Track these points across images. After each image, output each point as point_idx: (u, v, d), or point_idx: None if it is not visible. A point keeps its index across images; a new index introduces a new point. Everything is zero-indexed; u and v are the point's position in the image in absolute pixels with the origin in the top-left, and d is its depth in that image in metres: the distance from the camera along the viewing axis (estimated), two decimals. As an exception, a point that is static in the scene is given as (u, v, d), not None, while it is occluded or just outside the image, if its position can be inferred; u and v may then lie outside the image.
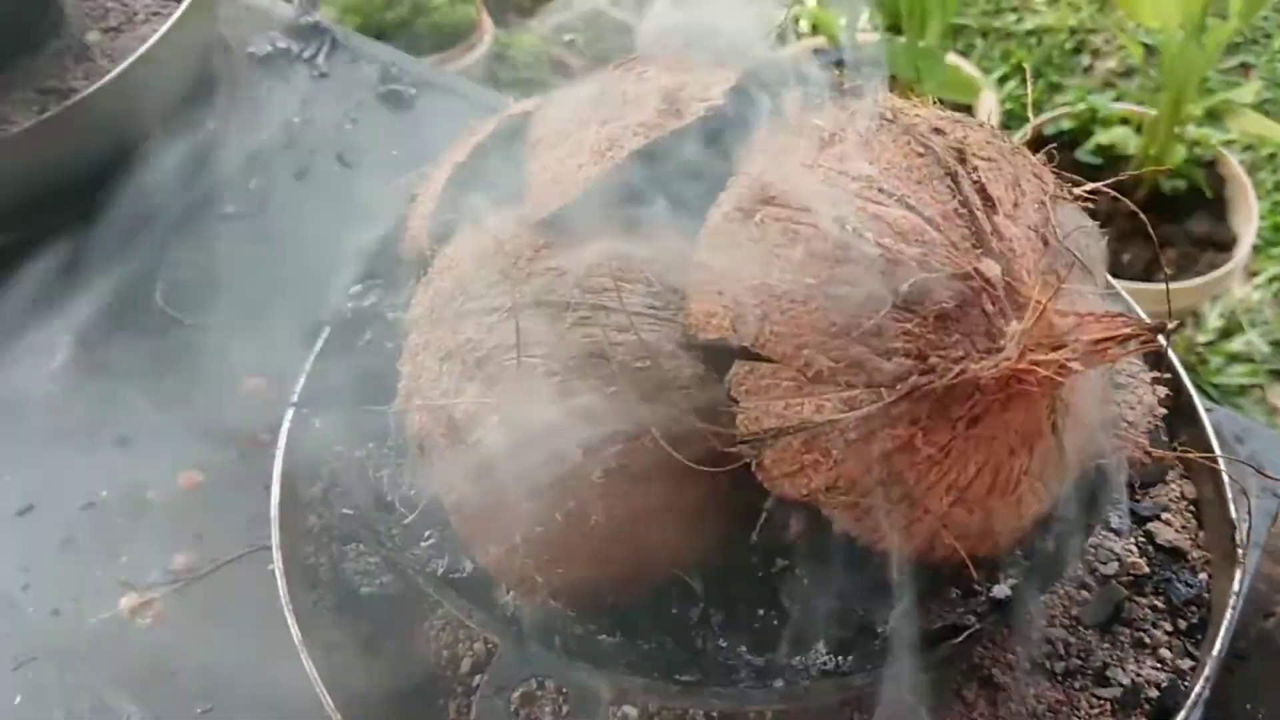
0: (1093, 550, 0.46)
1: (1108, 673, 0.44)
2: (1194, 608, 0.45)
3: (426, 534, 0.38)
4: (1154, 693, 0.43)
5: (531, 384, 0.35)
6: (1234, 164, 1.37)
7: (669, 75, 0.40)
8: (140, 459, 0.62)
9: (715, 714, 0.43)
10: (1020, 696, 0.43)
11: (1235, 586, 0.43)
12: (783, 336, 0.34)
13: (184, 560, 0.59)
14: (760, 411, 0.34)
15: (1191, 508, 0.49)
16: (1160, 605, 0.46)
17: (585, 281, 0.36)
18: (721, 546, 0.37)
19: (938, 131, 0.36)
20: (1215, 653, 0.42)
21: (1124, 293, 0.50)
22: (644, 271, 0.37)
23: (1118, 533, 0.47)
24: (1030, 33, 1.96)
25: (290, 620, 0.44)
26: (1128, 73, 1.90)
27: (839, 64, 0.48)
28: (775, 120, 0.38)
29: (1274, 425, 1.24)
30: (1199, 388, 0.56)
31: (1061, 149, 1.44)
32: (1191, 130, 1.42)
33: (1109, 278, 0.44)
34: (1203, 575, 0.46)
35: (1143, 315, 0.51)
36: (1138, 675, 0.43)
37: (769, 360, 0.34)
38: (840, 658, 0.36)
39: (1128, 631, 0.45)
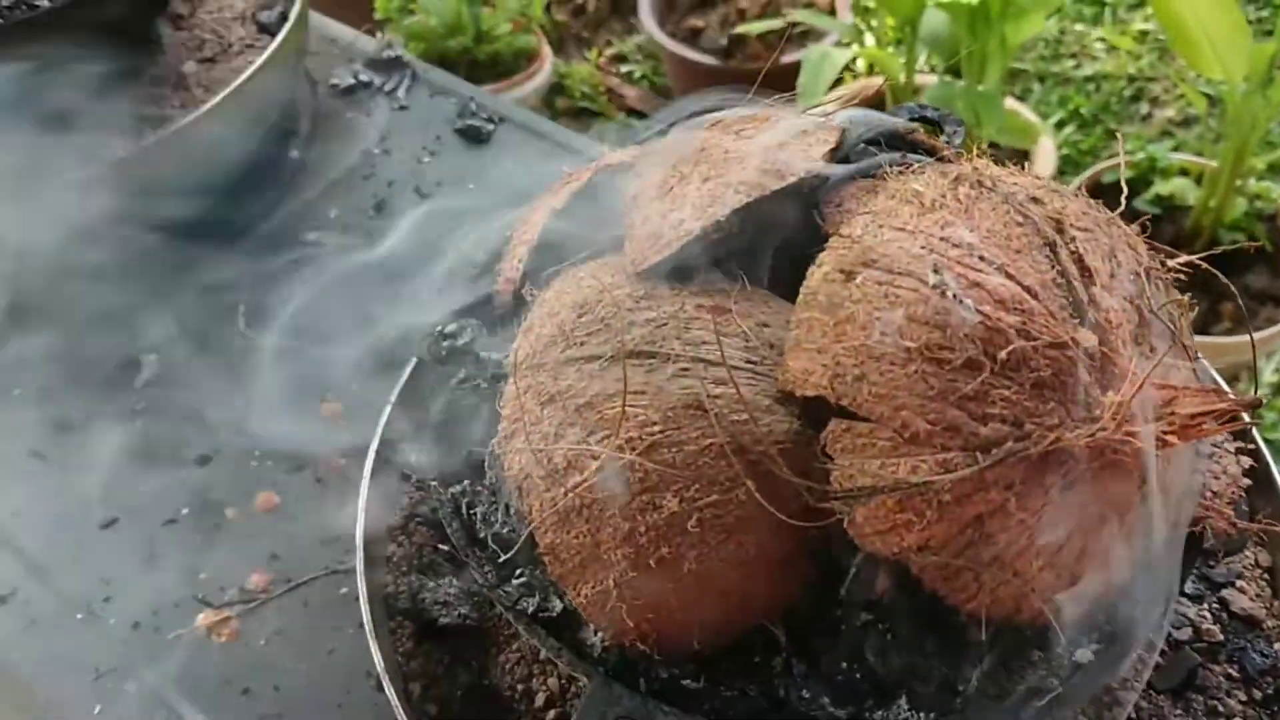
0: (1167, 614, 0.47)
1: (1181, 739, 0.44)
2: (1269, 678, 0.45)
3: (518, 572, 0.39)
4: (1228, 762, 0.43)
5: (632, 432, 0.36)
6: (1296, 219, 1.36)
7: (769, 133, 0.41)
8: (220, 478, 0.64)
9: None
10: (1093, 759, 0.43)
11: (1313, 659, 0.43)
12: (880, 397, 0.34)
13: (259, 579, 0.60)
14: (855, 469, 0.35)
15: (1266, 575, 0.49)
16: (1234, 674, 0.46)
17: (684, 334, 0.37)
18: (809, 598, 0.38)
19: (1036, 201, 0.37)
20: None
21: (1205, 363, 0.51)
22: (741, 326, 0.38)
23: (1192, 598, 0.47)
24: (1089, 79, 1.96)
25: (374, 649, 0.45)
26: (1186, 122, 1.90)
27: (925, 120, 0.50)
28: (876, 182, 0.39)
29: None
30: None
31: (1120, 198, 1.43)
32: (1253, 184, 1.41)
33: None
34: (1278, 645, 0.46)
35: (1219, 379, 0.51)
36: (1211, 743, 0.43)
37: (865, 420, 0.35)
38: (922, 714, 0.37)
39: (1201, 699, 0.45)
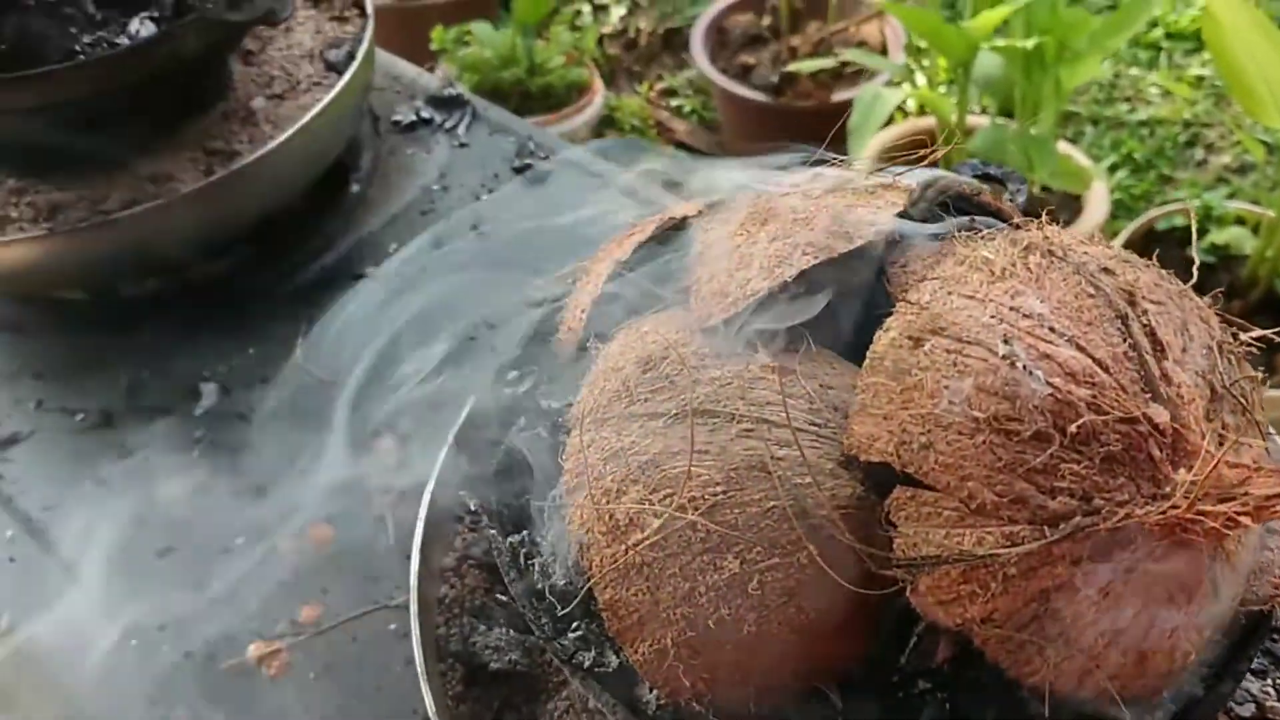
0: (1229, 689, 0.46)
1: (1243, 819, 0.43)
2: (1335, 758, 0.44)
3: (575, 625, 0.39)
4: (1292, 846, 0.42)
5: (695, 492, 0.36)
6: (1357, 272, 1.34)
7: (838, 195, 0.41)
8: (275, 509, 0.65)
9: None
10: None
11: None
12: (947, 466, 0.34)
13: (310, 613, 0.61)
14: (919, 538, 0.35)
15: (1332, 652, 0.48)
16: (1299, 752, 0.44)
17: (749, 393, 0.37)
18: (867, 664, 0.37)
19: (1107, 271, 0.37)
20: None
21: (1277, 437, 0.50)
22: (806, 387, 0.38)
23: (1256, 673, 0.46)
24: (1142, 123, 1.94)
25: (425, 691, 0.46)
26: (1242, 169, 1.87)
27: (989, 177, 0.49)
28: (944, 246, 0.39)
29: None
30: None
31: (1173, 245, 1.43)
32: (1313, 235, 1.39)
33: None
34: (1344, 725, 0.45)
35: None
36: (1275, 825, 0.42)
37: (931, 488, 0.35)
38: (980, 787, 0.36)
39: (1264, 777, 0.44)
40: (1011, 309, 0.35)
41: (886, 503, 0.35)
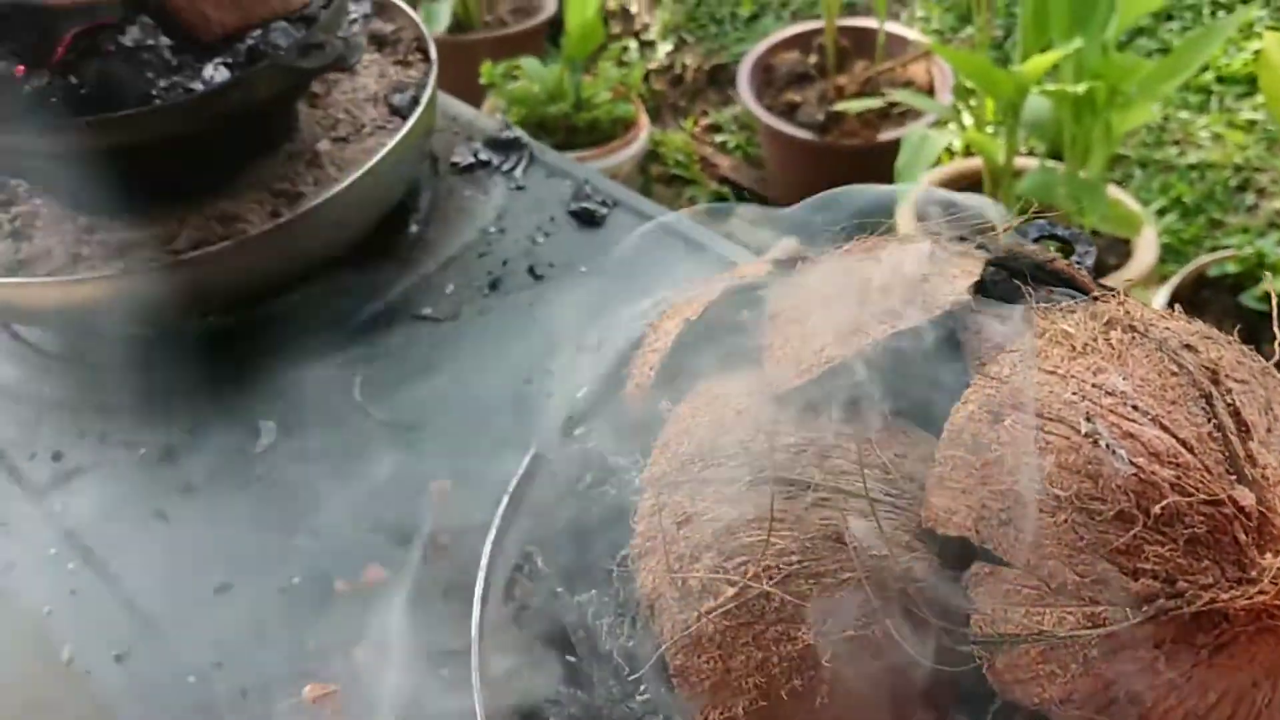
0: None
1: None
2: None
3: (643, 689, 0.39)
4: None
5: (770, 561, 0.36)
6: None
7: (913, 263, 0.41)
8: (330, 549, 0.66)
9: None
10: None
11: None
12: (1027, 544, 0.34)
13: (365, 654, 0.61)
14: (998, 615, 0.34)
15: None
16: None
17: (824, 462, 0.37)
18: (939, 740, 0.37)
19: (1189, 348, 0.37)
20: None
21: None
22: (881, 457, 0.38)
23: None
24: (1192, 167, 1.92)
25: (485, 743, 0.46)
26: (1295, 215, 1.85)
27: (1055, 238, 0.49)
28: (1023, 319, 0.39)
29: None
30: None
31: (1225, 293, 1.41)
32: (1370, 286, 1.37)
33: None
34: None
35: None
36: None
37: (1010, 565, 0.34)
38: None
39: None
40: (1094, 386, 0.35)
41: (964, 578, 0.35)
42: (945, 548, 0.36)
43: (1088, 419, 0.34)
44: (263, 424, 0.72)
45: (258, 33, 0.69)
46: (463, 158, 0.88)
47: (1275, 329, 0.40)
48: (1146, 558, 0.33)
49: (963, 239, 0.44)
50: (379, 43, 0.86)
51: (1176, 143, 1.98)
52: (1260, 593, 0.32)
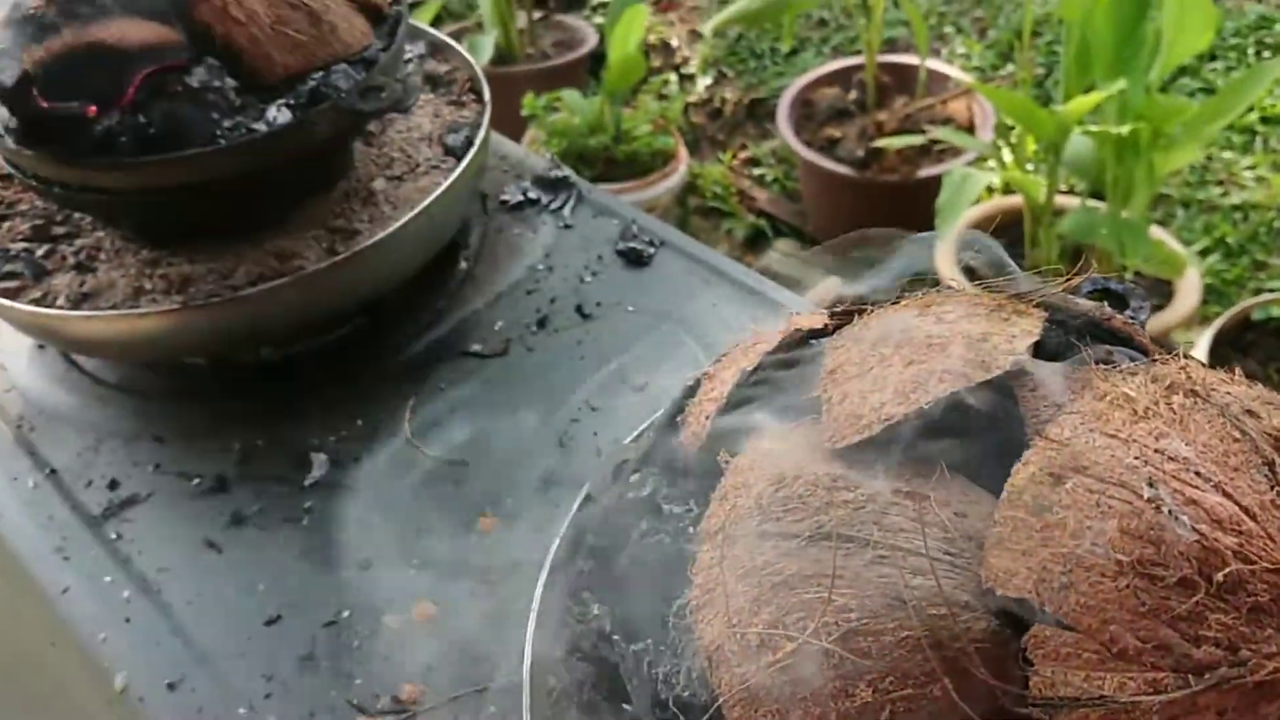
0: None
1: None
2: None
3: (699, 739, 0.40)
4: None
5: (829, 618, 0.36)
6: None
7: (971, 320, 0.42)
8: (380, 584, 0.66)
9: None
10: None
11: None
12: (1089, 608, 0.34)
13: (411, 690, 0.62)
14: (1058, 678, 0.35)
15: None
16: None
17: (883, 519, 0.38)
18: (996, 800, 0.37)
19: (1251, 414, 0.37)
20: None
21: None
22: (940, 515, 0.38)
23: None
24: (1236, 208, 1.91)
25: (534, 785, 0.46)
26: (1341, 257, 1.83)
27: (1109, 292, 0.50)
28: (1081, 377, 0.39)
29: None
30: None
31: (1269, 336, 1.39)
32: None
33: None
34: None
35: None
36: None
37: (1070, 629, 0.35)
38: None
39: None
40: (1156, 451, 0.35)
41: (1024, 640, 0.35)
42: (1005, 608, 0.36)
43: (1150, 484, 0.34)
44: (314, 456, 0.73)
45: (319, 75, 0.71)
46: (512, 195, 0.90)
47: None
48: (1209, 625, 0.33)
49: (1020, 296, 0.44)
50: (433, 83, 0.88)
51: (1220, 183, 1.97)
52: (1325, 664, 0.32)
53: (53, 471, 0.74)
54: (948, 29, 2.41)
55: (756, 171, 2.27)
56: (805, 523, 0.38)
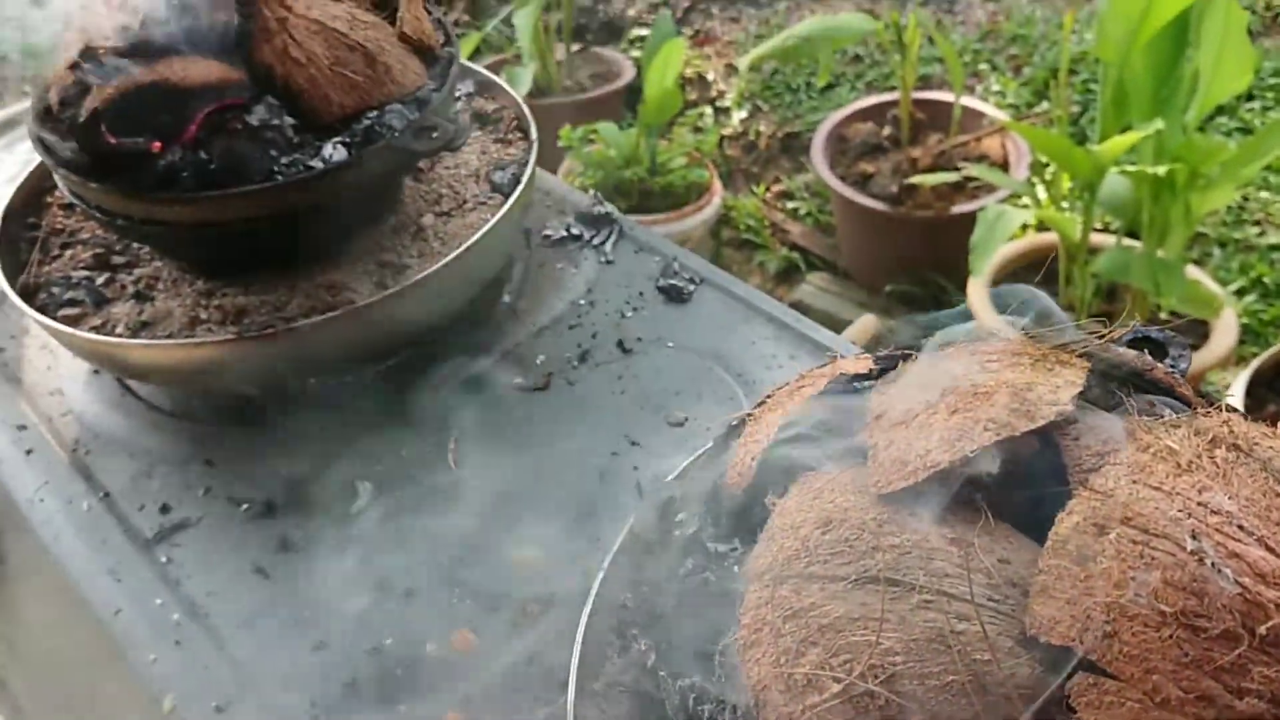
0: None
1: None
2: None
3: (744, 777, 0.40)
4: None
5: (875, 660, 0.37)
6: None
7: (1016, 370, 0.42)
8: (422, 612, 0.68)
9: None
10: None
11: None
12: (1132, 658, 0.35)
13: (454, 719, 0.63)
14: (1101, 726, 0.35)
15: None
16: None
17: (928, 564, 0.39)
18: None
19: (1294, 468, 0.37)
20: None
21: None
22: (985, 561, 0.39)
23: None
24: (1273, 247, 1.90)
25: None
26: (1381, 300, 1.81)
27: (1149, 340, 0.50)
28: (1125, 430, 0.40)
29: None
30: None
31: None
32: None
33: None
34: None
35: None
36: None
37: (1114, 677, 0.35)
38: None
39: None
40: (1199, 504, 0.36)
41: (1067, 687, 0.36)
42: (1049, 655, 0.37)
43: (1193, 537, 0.35)
44: (360, 485, 0.74)
45: (374, 114, 0.73)
46: (554, 231, 0.91)
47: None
48: (1252, 677, 0.34)
49: (1064, 346, 0.45)
50: (481, 120, 0.90)
51: (1257, 222, 1.96)
52: (1368, 719, 0.33)
53: (107, 495, 0.76)
54: (982, 66, 2.42)
55: (790, 205, 2.28)
56: (852, 566, 0.39)
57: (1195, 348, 1.58)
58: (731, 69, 2.60)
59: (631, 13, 2.78)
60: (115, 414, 0.81)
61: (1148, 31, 1.40)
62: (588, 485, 0.73)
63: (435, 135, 0.73)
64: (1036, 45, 2.43)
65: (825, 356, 0.80)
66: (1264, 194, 2.00)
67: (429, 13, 0.80)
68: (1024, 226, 1.95)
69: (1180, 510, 0.36)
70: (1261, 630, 0.34)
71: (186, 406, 0.81)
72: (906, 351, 0.48)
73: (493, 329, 0.84)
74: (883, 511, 0.40)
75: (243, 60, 0.72)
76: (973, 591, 0.37)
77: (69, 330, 0.72)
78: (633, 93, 2.36)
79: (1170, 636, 0.34)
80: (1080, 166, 1.53)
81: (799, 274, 2.12)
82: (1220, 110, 2.11)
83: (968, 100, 2.05)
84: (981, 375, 0.43)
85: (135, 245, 0.81)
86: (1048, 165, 1.86)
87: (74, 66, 0.71)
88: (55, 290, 0.76)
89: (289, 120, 0.72)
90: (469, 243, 0.75)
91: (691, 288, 0.86)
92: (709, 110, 2.50)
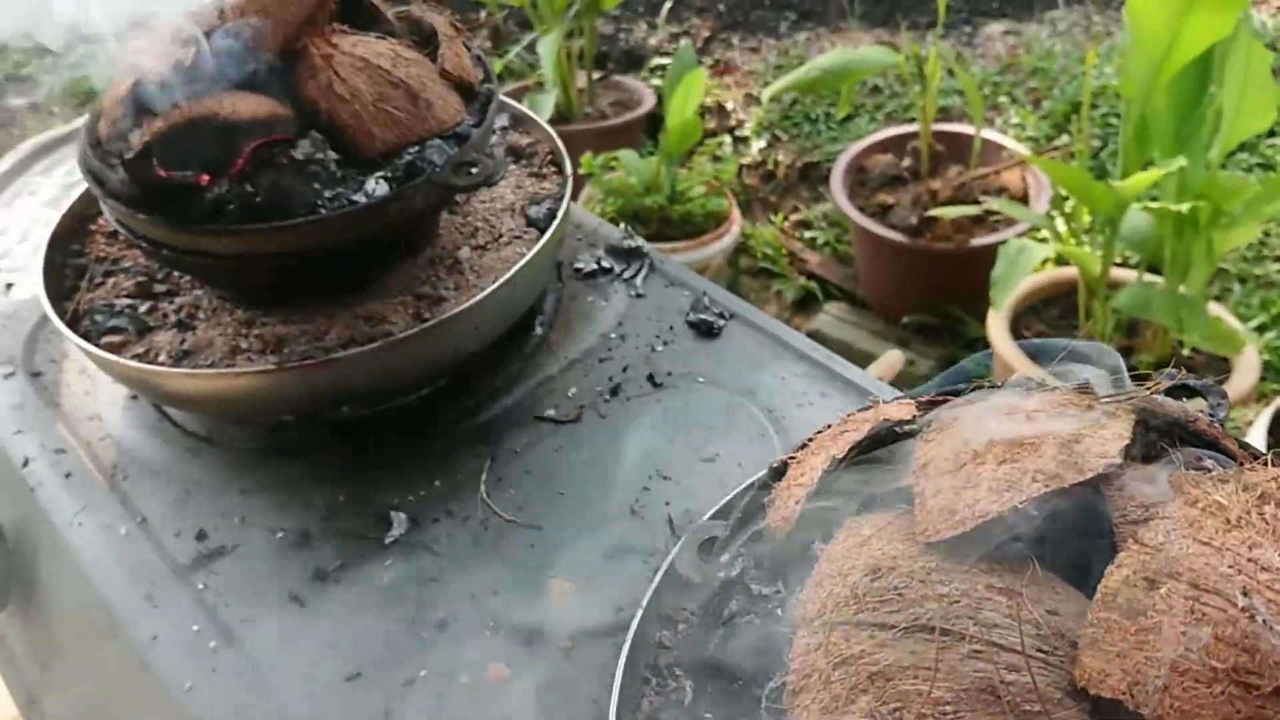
0: None
1: None
2: None
3: (791, 821, 0.41)
4: None
5: (925, 709, 0.37)
6: None
7: (1062, 420, 0.43)
8: (456, 644, 0.68)
9: None
10: None
11: None
12: (1184, 712, 0.35)
13: (488, 752, 0.63)
14: (1152, 780, 0.36)
15: None
16: None
17: (977, 614, 0.39)
18: None
19: (1342, 526, 0.38)
20: None
21: None
22: (1033, 612, 0.39)
23: None
24: (1294, 284, 1.90)
25: None
26: (1402, 337, 1.81)
27: (1187, 388, 0.51)
28: (1171, 483, 0.40)
29: None
30: None
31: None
32: None
33: None
34: None
35: None
36: None
37: (1165, 731, 0.36)
38: None
39: None
40: (1250, 560, 0.37)
41: (1118, 740, 0.36)
42: (1097, 707, 0.37)
43: (1244, 593, 0.36)
44: (394, 515, 0.75)
45: (415, 149, 0.74)
46: (586, 264, 0.92)
47: None
48: (1304, 735, 0.34)
49: (1111, 397, 0.46)
50: (516, 154, 0.92)
51: (1277, 258, 1.96)
52: None
53: (143, 520, 0.76)
54: (1002, 99, 2.44)
55: (808, 234, 2.29)
56: (902, 614, 0.40)
57: (1218, 384, 1.58)
58: (751, 99, 2.62)
59: (653, 42, 2.81)
60: (153, 440, 0.82)
61: (1170, 70, 1.41)
62: (620, 519, 0.74)
63: (475, 171, 0.74)
64: (1056, 79, 2.45)
65: (854, 393, 0.81)
66: (1284, 230, 2.00)
67: (469, 49, 0.82)
68: (1044, 261, 1.96)
69: (1231, 566, 0.36)
70: (1313, 688, 0.34)
71: (223, 433, 0.82)
72: (946, 396, 0.49)
73: (525, 360, 0.85)
74: (931, 560, 0.41)
75: (288, 95, 0.73)
76: (1023, 642, 0.38)
77: (114, 359, 0.73)
78: (653, 121, 2.38)
79: (1222, 692, 0.35)
80: (1102, 202, 1.54)
81: (816, 303, 2.13)
82: (1241, 146, 2.12)
83: (987, 133, 2.06)
84: (1027, 426, 0.43)
85: (176, 274, 0.82)
86: (1068, 199, 1.87)
87: (124, 99, 0.73)
88: (99, 318, 0.78)
89: (332, 155, 0.73)
90: (505, 277, 0.76)
91: (721, 323, 0.87)
92: (728, 139, 2.51)
